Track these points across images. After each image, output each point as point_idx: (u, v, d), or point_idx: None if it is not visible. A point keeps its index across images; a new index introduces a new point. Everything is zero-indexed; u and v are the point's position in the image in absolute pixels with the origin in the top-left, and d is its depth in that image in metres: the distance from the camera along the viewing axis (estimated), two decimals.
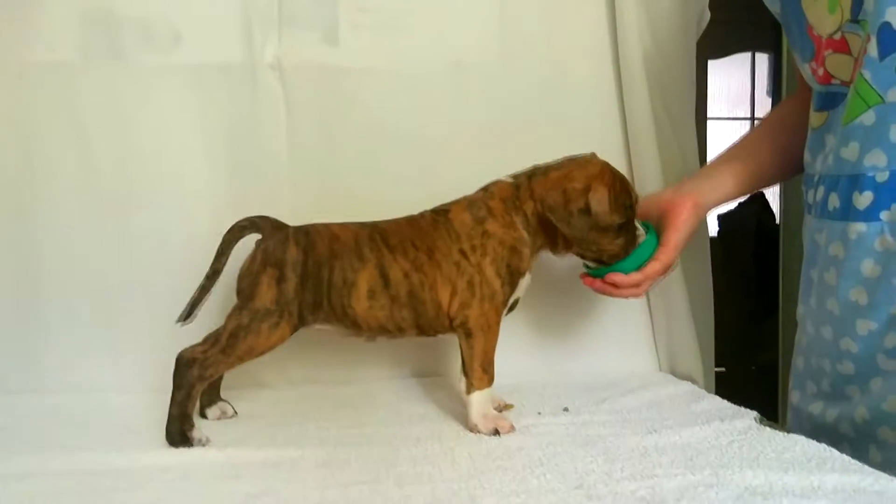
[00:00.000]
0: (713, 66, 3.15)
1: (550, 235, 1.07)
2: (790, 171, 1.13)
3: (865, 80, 0.91)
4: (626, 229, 1.07)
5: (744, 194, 1.19)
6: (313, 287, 1.03)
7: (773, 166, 1.14)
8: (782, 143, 1.12)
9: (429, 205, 1.10)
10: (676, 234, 1.10)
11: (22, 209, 1.21)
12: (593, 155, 1.08)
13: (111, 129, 1.21)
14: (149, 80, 1.21)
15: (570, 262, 1.17)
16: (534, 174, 1.07)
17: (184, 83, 1.22)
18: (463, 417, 1.04)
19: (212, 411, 1.10)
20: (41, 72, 1.19)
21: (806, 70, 1.03)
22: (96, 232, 1.22)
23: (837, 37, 0.95)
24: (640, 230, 1.09)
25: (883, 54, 0.89)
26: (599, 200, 1.02)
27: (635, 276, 1.08)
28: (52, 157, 1.21)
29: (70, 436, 1.02)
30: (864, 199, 0.93)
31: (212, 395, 1.10)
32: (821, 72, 0.98)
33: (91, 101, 1.21)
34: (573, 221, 1.02)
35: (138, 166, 1.22)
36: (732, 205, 3.36)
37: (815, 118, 1.01)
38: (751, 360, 2.97)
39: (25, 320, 1.22)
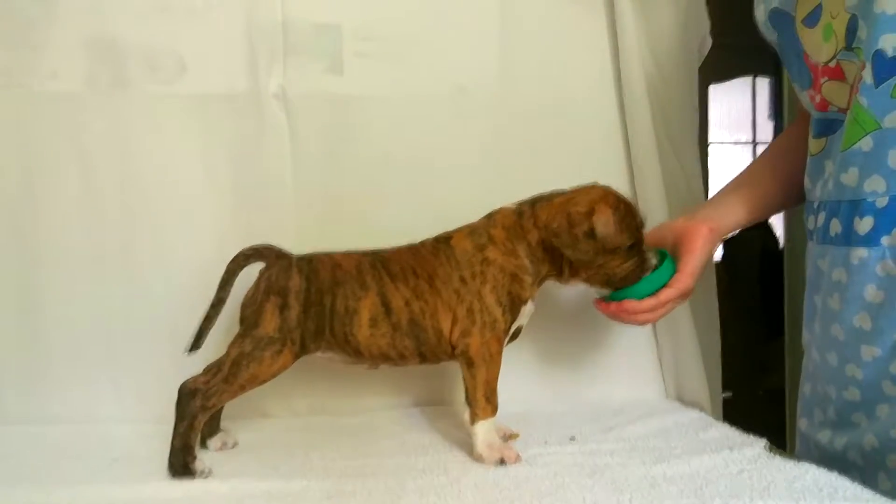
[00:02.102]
0: (714, 90, 3.17)
1: (556, 263, 1.07)
2: (795, 199, 1.13)
3: (862, 107, 0.91)
4: (637, 251, 1.06)
5: (754, 221, 1.19)
6: (316, 315, 1.02)
7: (778, 195, 1.14)
8: (786, 172, 1.12)
9: (433, 230, 1.10)
10: (693, 261, 1.09)
11: (24, 237, 1.21)
12: (595, 183, 1.07)
13: (115, 157, 1.22)
14: (153, 110, 1.22)
15: (576, 291, 1.17)
16: (537, 201, 1.07)
17: (188, 112, 1.22)
18: (468, 447, 1.03)
19: (213, 442, 1.09)
20: (45, 100, 1.20)
21: (804, 98, 1.04)
22: (99, 260, 1.22)
23: (833, 64, 0.96)
24: (651, 252, 1.08)
25: (878, 81, 0.90)
26: (605, 222, 1.02)
27: (650, 302, 1.07)
28: (56, 185, 1.21)
29: (71, 467, 1.01)
30: (864, 225, 0.93)
31: (212, 426, 1.09)
32: (818, 99, 0.99)
33: (95, 130, 1.21)
34: (579, 246, 1.02)
35: (142, 195, 1.22)
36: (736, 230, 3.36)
37: (814, 145, 1.02)
38: (757, 384, 2.95)
39: (26, 349, 1.21)
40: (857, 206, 0.93)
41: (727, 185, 1.18)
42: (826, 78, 0.97)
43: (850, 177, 0.94)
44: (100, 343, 1.22)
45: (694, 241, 1.10)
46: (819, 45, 0.97)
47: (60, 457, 1.05)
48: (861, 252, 0.93)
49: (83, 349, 1.22)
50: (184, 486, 0.93)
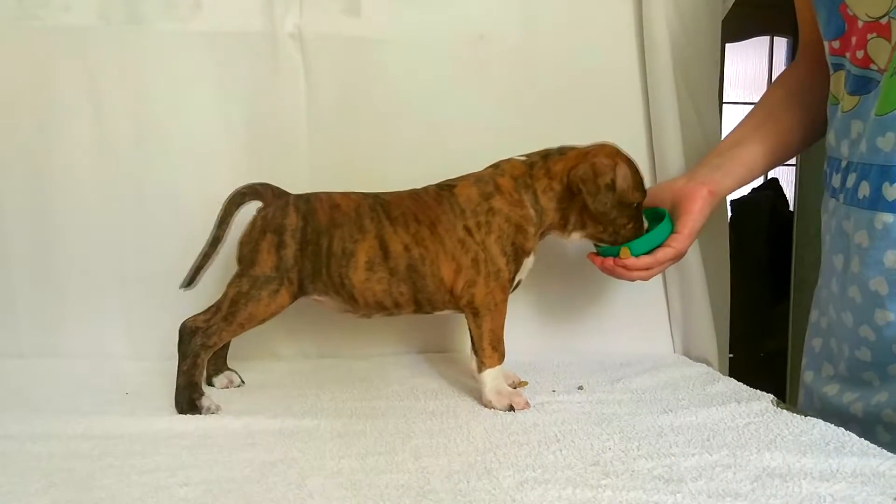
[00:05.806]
0: (730, 49, 3.10)
1: (563, 213, 1.06)
2: (811, 141, 1.14)
3: None
4: (637, 213, 1.07)
5: (758, 177, 1.18)
6: (312, 255, 1.02)
7: (796, 142, 1.14)
8: (812, 110, 1.11)
9: (445, 177, 1.09)
10: (691, 223, 1.09)
11: (37, 173, 1.20)
12: (606, 143, 1.07)
13: (128, 95, 1.20)
14: (168, 47, 1.20)
15: (584, 243, 1.16)
16: (549, 154, 1.07)
17: (203, 51, 1.20)
18: (477, 393, 1.04)
19: (219, 380, 1.10)
20: (59, 34, 1.18)
21: (826, 47, 1.01)
22: (112, 198, 1.21)
23: (884, 21, 0.93)
24: (643, 216, 1.10)
25: None
26: (624, 176, 1.03)
27: (646, 260, 1.08)
28: (69, 121, 1.20)
29: (85, 400, 1.02)
30: (893, 191, 0.92)
31: (218, 364, 1.11)
32: (860, 54, 0.96)
33: (109, 66, 1.19)
34: (600, 196, 1.02)
35: (155, 133, 1.21)
36: (746, 191, 3.34)
37: (848, 101, 0.99)
38: (759, 347, 2.96)
39: (41, 286, 1.22)
40: (888, 171, 0.93)
41: (741, 127, 1.16)
42: (874, 34, 0.94)
43: (886, 141, 0.93)
44: (112, 281, 1.22)
45: (693, 202, 1.09)
46: None
47: (74, 390, 1.07)
48: (887, 217, 0.93)
49: (96, 287, 1.22)
50: (197, 421, 0.94)
